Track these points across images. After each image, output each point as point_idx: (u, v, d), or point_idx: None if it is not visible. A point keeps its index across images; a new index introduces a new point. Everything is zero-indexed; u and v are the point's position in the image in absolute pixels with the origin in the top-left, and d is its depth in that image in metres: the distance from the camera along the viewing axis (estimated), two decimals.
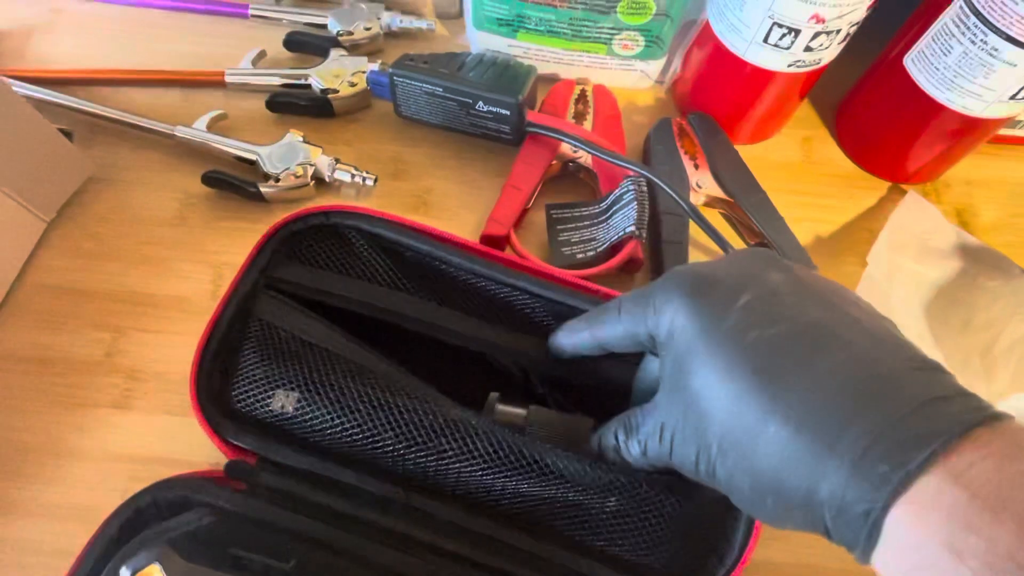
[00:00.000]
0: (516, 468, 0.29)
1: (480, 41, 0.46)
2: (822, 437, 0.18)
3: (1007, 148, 0.47)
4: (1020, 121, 0.44)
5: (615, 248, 0.37)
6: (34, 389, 0.36)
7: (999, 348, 0.39)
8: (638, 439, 0.26)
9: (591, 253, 0.37)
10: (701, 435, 0.21)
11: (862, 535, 0.17)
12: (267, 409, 0.31)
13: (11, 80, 0.42)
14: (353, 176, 0.41)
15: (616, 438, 0.27)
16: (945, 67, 0.36)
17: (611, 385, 0.31)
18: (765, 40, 0.37)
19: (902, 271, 0.40)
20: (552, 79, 0.46)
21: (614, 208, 0.37)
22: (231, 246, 0.40)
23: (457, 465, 0.30)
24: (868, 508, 0.17)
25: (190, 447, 0.35)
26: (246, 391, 0.31)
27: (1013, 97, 0.36)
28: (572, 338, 0.30)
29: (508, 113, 0.39)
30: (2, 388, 0.36)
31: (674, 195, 0.37)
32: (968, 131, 0.39)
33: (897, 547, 0.17)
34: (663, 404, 0.24)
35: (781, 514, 0.20)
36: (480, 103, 0.40)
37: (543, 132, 0.40)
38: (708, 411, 0.21)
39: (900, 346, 0.19)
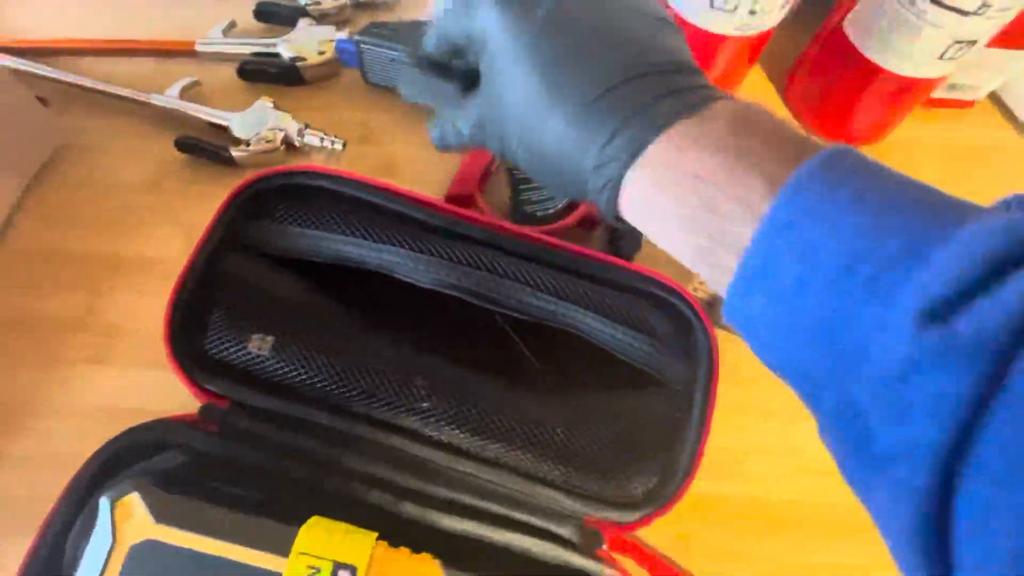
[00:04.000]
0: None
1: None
2: (585, 128, 0.23)
3: (947, 111, 0.49)
4: (956, 84, 0.46)
5: (572, 206, 0.39)
6: (12, 348, 0.38)
7: None
8: (465, 122, 0.29)
9: (550, 211, 0.39)
10: (506, 126, 0.26)
11: (608, 196, 0.23)
12: (242, 353, 0.32)
13: None
14: (322, 140, 0.43)
15: (451, 123, 0.30)
16: (879, 30, 0.39)
17: (575, 331, 0.33)
18: (711, 5, 0.39)
19: None
20: None
21: None
22: (203, 209, 0.41)
23: (423, 410, 0.32)
24: (611, 178, 0.23)
25: (166, 399, 0.37)
26: (219, 339, 0.32)
27: (941, 57, 0.38)
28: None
29: None
30: None
31: None
32: (905, 92, 0.42)
33: (629, 196, 0.23)
34: (481, 97, 0.27)
35: (562, 187, 0.25)
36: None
37: None
38: (509, 109, 0.25)
39: (663, 51, 0.24)
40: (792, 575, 0.35)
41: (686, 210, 0.21)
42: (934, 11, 0.35)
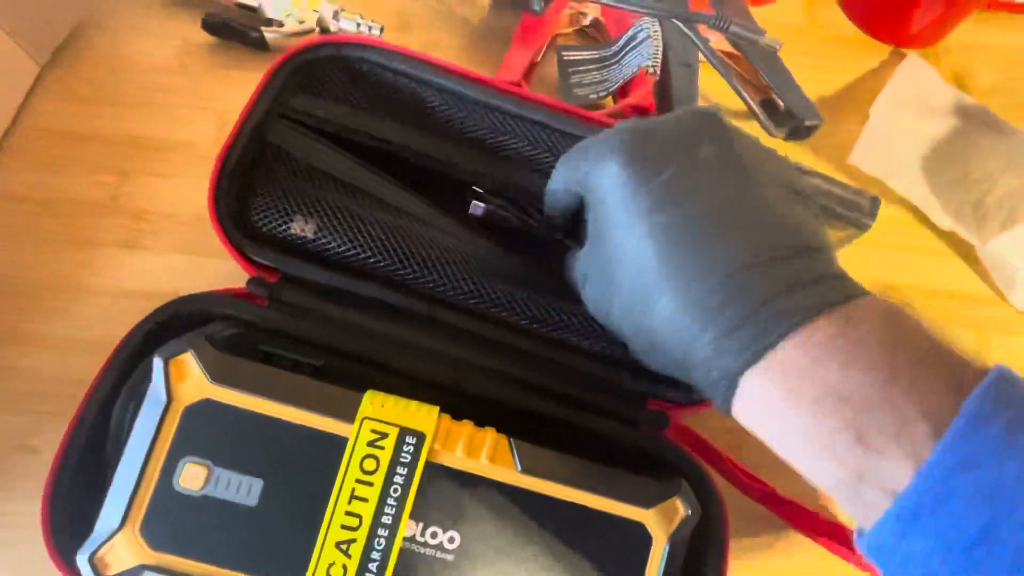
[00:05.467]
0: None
1: None
2: (700, 317, 0.21)
3: (1003, 15, 0.47)
4: None
5: (627, 90, 0.37)
6: (39, 228, 0.36)
7: (991, 200, 0.41)
8: (570, 270, 0.28)
9: (603, 93, 0.37)
10: (609, 293, 0.24)
11: (720, 391, 0.21)
12: (287, 232, 0.31)
13: None
14: (359, 25, 0.40)
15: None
16: None
17: None
18: None
19: (902, 126, 0.41)
20: None
21: (627, 48, 0.37)
22: (235, 94, 0.39)
23: (478, 294, 0.31)
24: (727, 373, 0.20)
25: (205, 283, 0.35)
26: (265, 213, 0.31)
27: None
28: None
29: None
30: (6, 227, 0.35)
31: (691, 35, 0.37)
32: None
33: (748, 398, 0.20)
34: (585, 256, 0.26)
35: (666, 367, 0.24)
36: None
37: None
38: (616, 275, 0.23)
39: (791, 232, 0.21)
40: None
41: (824, 434, 0.18)
42: None
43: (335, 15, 0.40)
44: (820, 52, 0.45)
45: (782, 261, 0.20)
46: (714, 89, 0.41)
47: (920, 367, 0.18)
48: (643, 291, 0.22)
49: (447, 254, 0.31)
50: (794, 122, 0.39)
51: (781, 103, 0.40)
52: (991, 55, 0.46)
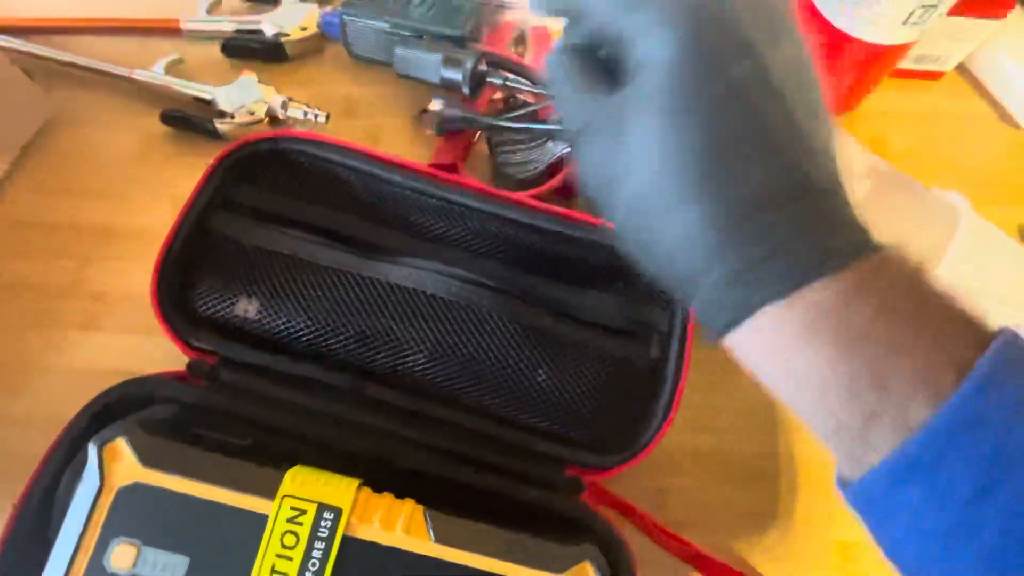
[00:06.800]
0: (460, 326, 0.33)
1: None
2: (731, 239, 0.19)
3: (915, 82, 0.50)
4: (924, 56, 0.48)
5: (553, 170, 0.40)
6: (4, 313, 0.38)
7: None
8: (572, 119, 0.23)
9: (529, 174, 0.40)
10: (618, 177, 0.21)
11: (723, 319, 0.20)
12: (230, 314, 0.33)
13: None
14: (305, 113, 0.44)
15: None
16: None
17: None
18: None
19: None
20: (493, 20, 0.49)
21: (550, 132, 0.40)
22: (189, 180, 0.41)
23: (407, 353, 0.33)
24: (744, 304, 0.19)
25: (156, 363, 0.37)
26: (207, 298, 0.33)
27: (906, 21, 0.39)
28: None
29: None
30: None
31: None
32: (873, 59, 0.43)
33: (759, 332, 0.19)
34: (603, 106, 0.21)
35: (658, 275, 0.22)
36: (426, 37, 0.42)
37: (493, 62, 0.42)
38: (636, 159, 0.20)
39: (836, 171, 0.20)
40: (762, 523, 0.37)
41: (841, 375, 0.18)
42: None
43: (283, 104, 0.44)
44: None
45: (831, 195, 0.19)
46: None
47: (945, 320, 0.18)
48: (670, 191, 0.19)
49: (380, 321, 0.33)
50: None
51: None
52: (903, 120, 0.49)
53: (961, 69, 0.51)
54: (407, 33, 0.42)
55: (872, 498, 0.18)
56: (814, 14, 0.43)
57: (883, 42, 0.41)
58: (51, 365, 0.37)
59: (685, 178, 0.19)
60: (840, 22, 0.41)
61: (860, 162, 0.46)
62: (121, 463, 0.27)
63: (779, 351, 0.19)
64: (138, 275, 0.40)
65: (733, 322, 0.20)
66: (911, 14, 0.38)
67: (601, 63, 0.22)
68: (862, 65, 0.44)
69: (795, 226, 0.18)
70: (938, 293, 0.18)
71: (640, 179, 0.20)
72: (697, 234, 0.19)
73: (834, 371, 0.18)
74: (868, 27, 0.40)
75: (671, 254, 0.20)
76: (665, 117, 0.19)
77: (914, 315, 0.18)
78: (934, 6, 0.38)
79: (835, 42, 0.43)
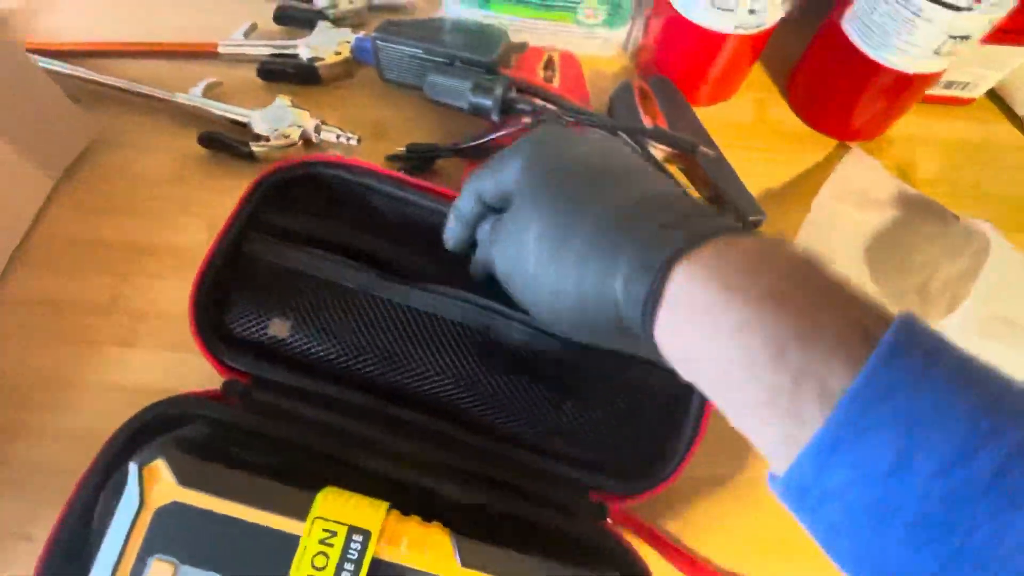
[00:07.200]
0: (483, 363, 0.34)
1: (456, 13, 0.49)
2: (619, 235, 0.23)
3: (943, 108, 0.50)
4: (954, 82, 0.47)
5: None
6: (47, 329, 0.40)
7: (934, 286, 0.43)
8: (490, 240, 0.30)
9: None
10: (523, 253, 0.26)
11: (642, 306, 0.21)
12: (263, 334, 0.34)
13: None
14: (338, 137, 0.45)
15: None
16: (875, 26, 0.40)
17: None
18: (712, 3, 0.41)
19: (843, 217, 0.44)
20: (522, 46, 0.50)
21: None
22: (225, 201, 0.43)
23: (433, 378, 0.33)
24: (654, 265, 0.21)
25: (190, 379, 0.38)
26: (241, 319, 0.34)
27: (937, 52, 0.39)
28: (446, 233, 0.33)
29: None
30: (18, 328, 0.39)
31: (633, 145, 0.40)
32: (902, 87, 0.43)
33: (675, 303, 0.21)
34: (506, 218, 0.28)
35: (581, 317, 0.25)
36: (457, 63, 0.43)
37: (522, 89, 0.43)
38: (527, 232, 0.26)
39: (672, 184, 0.27)
40: (788, 552, 0.36)
41: (766, 327, 0.18)
42: (928, 6, 0.37)
43: (316, 128, 0.45)
44: (769, 147, 0.48)
45: (682, 197, 0.24)
46: None
47: (847, 296, 0.18)
48: (559, 236, 0.24)
49: (407, 346, 0.34)
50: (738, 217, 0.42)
51: (726, 199, 0.43)
52: (932, 146, 0.49)
53: (991, 95, 0.51)
54: (439, 59, 0.43)
55: (804, 484, 0.18)
56: (844, 41, 0.43)
57: (913, 71, 0.41)
58: (90, 381, 0.38)
59: (569, 212, 0.24)
60: (870, 50, 0.41)
61: (886, 190, 0.46)
62: (160, 483, 0.28)
63: (701, 319, 0.20)
64: (174, 293, 0.41)
65: (652, 295, 0.21)
66: (943, 44, 0.38)
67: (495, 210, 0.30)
68: (891, 92, 0.44)
69: (679, 213, 0.22)
70: (836, 274, 0.19)
71: (539, 242, 0.25)
72: (592, 248, 0.23)
73: (761, 326, 0.18)
74: (898, 56, 0.40)
75: (581, 287, 0.24)
76: (536, 186, 0.26)
77: (820, 287, 0.18)
78: (966, 37, 0.38)
79: (863, 69, 0.43)
